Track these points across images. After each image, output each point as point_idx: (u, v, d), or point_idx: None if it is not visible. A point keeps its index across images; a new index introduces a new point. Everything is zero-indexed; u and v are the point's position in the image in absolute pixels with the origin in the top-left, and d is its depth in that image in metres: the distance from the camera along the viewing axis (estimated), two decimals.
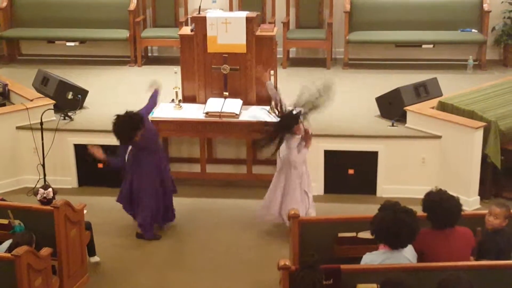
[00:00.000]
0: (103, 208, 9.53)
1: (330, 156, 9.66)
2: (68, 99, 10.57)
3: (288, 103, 8.71)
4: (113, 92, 11.58)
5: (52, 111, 10.18)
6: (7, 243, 7.22)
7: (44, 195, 7.80)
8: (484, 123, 9.32)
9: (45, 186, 8.04)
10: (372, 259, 6.40)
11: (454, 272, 5.81)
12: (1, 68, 12.71)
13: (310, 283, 6.02)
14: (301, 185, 8.66)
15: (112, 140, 9.71)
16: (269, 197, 8.85)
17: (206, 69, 10.08)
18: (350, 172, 9.83)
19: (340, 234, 7.15)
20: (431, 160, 9.62)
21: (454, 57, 12.81)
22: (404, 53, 12.88)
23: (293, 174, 8.64)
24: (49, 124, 9.98)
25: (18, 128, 10.08)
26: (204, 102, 10.01)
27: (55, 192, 7.95)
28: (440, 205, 6.47)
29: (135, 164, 8.72)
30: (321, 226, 7.24)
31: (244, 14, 10.01)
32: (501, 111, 9.60)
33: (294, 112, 8.51)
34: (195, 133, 9.90)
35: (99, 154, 8.80)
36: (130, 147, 8.76)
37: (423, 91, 10.27)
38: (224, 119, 9.71)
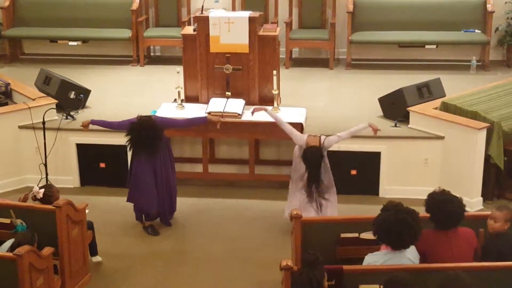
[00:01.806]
0: (105, 208, 9.53)
1: (332, 157, 9.61)
2: (71, 99, 10.57)
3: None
4: (116, 91, 11.57)
5: (55, 110, 10.18)
6: (9, 243, 7.21)
7: (34, 194, 7.81)
8: (487, 124, 9.30)
9: (47, 186, 8.05)
10: (375, 260, 6.38)
11: (454, 272, 5.80)
12: (3, 67, 12.72)
13: (307, 281, 5.99)
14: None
15: (113, 140, 9.76)
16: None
17: (208, 69, 10.07)
18: (353, 172, 9.82)
19: (343, 235, 7.14)
20: (434, 161, 9.60)
21: (457, 58, 12.80)
22: (407, 54, 12.86)
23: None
24: (51, 123, 9.97)
25: (20, 127, 10.07)
26: (207, 102, 10.00)
27: (56, 191, 7.94)
28: (444, 205, 6.46)
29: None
30: (324, 227, 7.23)
31: (247, 14, 10.00)
32: (504, 111, 9.58)
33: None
34: (197, 133, 9.88)
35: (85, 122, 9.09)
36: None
37: (426, 92, 10.26)
38: (227, 119, 9.69)
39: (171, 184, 9.01)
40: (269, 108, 9.22)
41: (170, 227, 9.15)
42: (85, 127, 9.07)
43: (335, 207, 8.68)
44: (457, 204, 6.50)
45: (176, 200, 9.21)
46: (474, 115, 9.50)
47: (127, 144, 8.76)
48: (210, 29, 9.88)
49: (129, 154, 9.01)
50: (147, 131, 8.60)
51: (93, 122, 9.06)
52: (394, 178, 9.75)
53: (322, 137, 8.53)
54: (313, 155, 8.39)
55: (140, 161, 8.75)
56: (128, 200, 8.99)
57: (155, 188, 8.84)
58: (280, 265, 6.38)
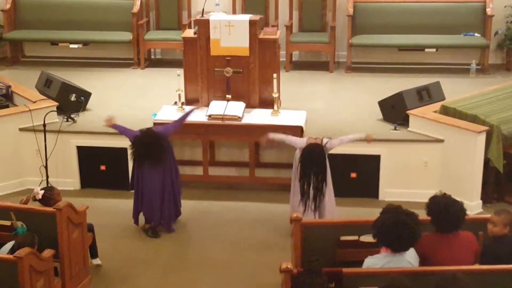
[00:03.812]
0: (106, 210, 9.53)
1: (332, 160, 9.62)
2: (71, 101, 10.58)
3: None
4: (116, 94, 11.58)
5: (55, 113, 10.20)
6: (9, 245, 7.22)
7: (34, 195, 7.83)
8: (486, 127, 9.30)
9: (48, 188, 8.06)
10: (374, 262, 6.38)
11: (450, 273, 5.82)
12: (4, 70, 12.72)
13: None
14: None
15: (114, 142, 9.78)
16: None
17: (209, 72, 10.08)
18: (353, 175, 9.83)
19: (342, 238, 7.14)
20: (434, 164, 9.61)
21: (456, 61, 12.80)
22: (407, 57, 12.88)
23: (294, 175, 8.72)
24: (52, 126, 9.98)
25: (21, 129, 10.08)
26: (207, 105, 10.01)
27: (57, 194, 7.94)
28: (445, 209, 6.46)
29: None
30: (323, 230, 7.23)
31: (247, 17, 10.01)
32: (503, 115, 9.59)
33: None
34: (198, 136, 9.90)
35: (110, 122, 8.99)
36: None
37: (425, 95, 10.27)
38: (227, 122, 9.71)
39: (175, 191, 9.02)
40: (273, 134, 8.94)
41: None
42: (108, 122, 9.01)
43: (333, 208, 8.72)
44: (458, 207, 6.50)
45: (181, 204, 9.23)
46: (474, 119, 9.51)
47: (131, 156, 8.81)
48: (210, 32, 9.90)
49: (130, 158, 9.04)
50: (151, 144, 8.65)
51: (114, 126, 9.01)
52: (393, 181, 9.76)
53: (324, 139, 8.55)
54: (315, 151, 8.41)
55: (143, 170, 8.80)
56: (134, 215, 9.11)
57: (158, 198, 8.87)
58: (280, 267, 6.38)
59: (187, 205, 9.51)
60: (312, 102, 11.00)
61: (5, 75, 11.93)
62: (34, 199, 7.86)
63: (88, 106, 10.78)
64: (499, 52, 12.86)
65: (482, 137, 9.29)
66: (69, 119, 10.27)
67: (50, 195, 7.85)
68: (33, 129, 9.97)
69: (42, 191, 7.85)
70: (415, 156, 9.66)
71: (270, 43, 10.05)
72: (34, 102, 10.38)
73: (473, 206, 9.30)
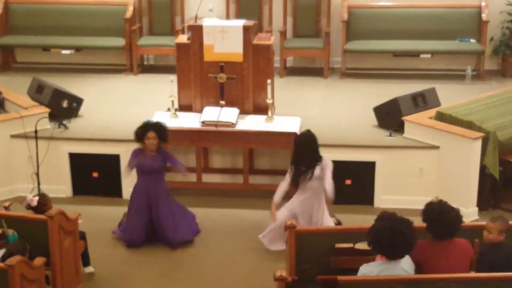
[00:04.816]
0: (98, 218, 9.47)
1: None
2: (63, 108, 10.51)
3: None
4: (109, 100, 11.52)
5: (47, 119, 10.13)
6: (0, 253, 7.16)
7: (28, 202, 7.78)
8: (482, 134, 9.28)
9: (41, 195, 8.00)
10: (369, 270, 6.35)
11: (445, 284, 5.78)
12: None
13: None
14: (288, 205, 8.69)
15: (106, 149, 9.72)
16: None
17: (202, 78, 10.03)
18: (347, 182, 9.78)
19: (337, 245, 7.11)
20: (429, 170, 9.57)
21: (452, 67, 12.78)
22: (402, 63, 12.85)
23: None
24: (44, 132, 9.91)
25: (12, 136, 10.02)
26: (200, 111, 9.96)
27: (49, 200, 7.89)
28: (441, 216, 6.45)
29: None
30: (318, 237, 7.20)
31: (241, 22, 9.98)
32: (499, 121, 9.56)
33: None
34: (191, 142, 9.86)
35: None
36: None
37: (421, 101, 10.24)
38: (221, 128, 9.66)
39: (161, 218, 8.94)
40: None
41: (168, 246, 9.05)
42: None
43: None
44: (454, 214, 6.49)
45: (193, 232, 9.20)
46: (469, 125, 9.48)
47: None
48: (204, 38, 9.85)
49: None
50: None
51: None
52: (389, 188, 9.71)
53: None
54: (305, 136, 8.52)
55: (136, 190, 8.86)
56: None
57: (146, 214, 8.88)
58: (274, 275, 6.33)
59: None
60: (306, 108, 10.95)
61: None
62: (28, 207, 7.80)
63: (80, 112, 10.71)
64: (494, 58, 12.83)
65: (478, 144, 9.25)
66: (61, 126, 10.20)
67: (44, 201, 7.81)
68: (24, 136, 9.91)
69: (37, 198, 7.80)
70: (410, 163, 9.62)
71: (264, 49, 10.01)
72: (26, 108, 10.33)
73: (469, 213, 9.27)
